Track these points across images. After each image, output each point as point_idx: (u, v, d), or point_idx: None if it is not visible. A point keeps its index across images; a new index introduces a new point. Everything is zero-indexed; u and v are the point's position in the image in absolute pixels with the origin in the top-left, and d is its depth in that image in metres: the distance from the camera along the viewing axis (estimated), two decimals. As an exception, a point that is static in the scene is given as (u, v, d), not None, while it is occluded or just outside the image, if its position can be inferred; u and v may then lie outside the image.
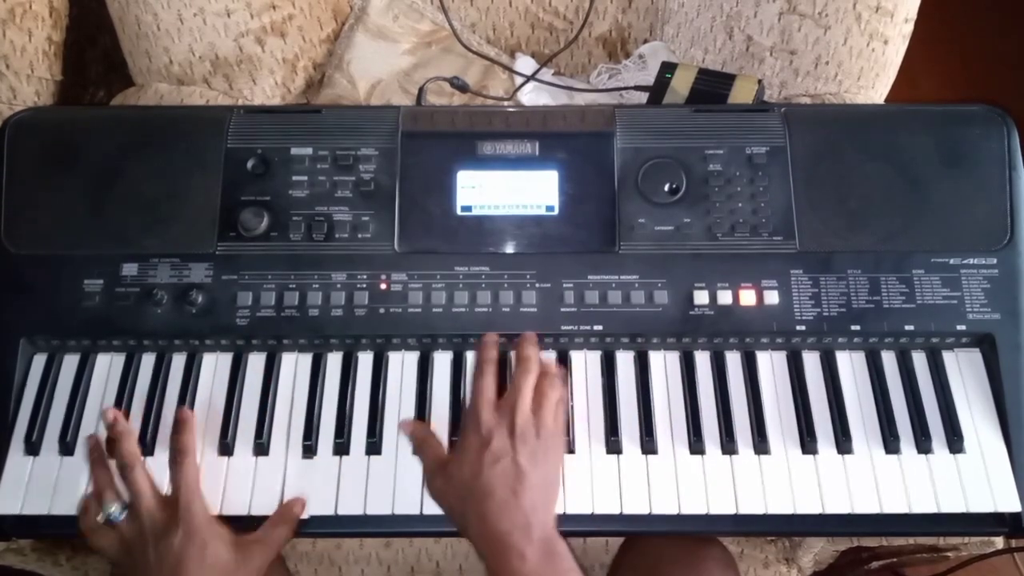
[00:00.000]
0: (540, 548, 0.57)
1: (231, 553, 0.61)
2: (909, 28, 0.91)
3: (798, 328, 0.70)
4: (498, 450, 0.60)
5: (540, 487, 0.60)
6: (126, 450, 0.63)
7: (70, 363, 0.71)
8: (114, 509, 0.61)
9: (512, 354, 0.71)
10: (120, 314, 0.69)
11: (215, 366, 0.71)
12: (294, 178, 0.73)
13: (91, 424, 0.69)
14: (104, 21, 0.96)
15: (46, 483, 0.66)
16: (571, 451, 0.67)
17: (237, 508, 0.65)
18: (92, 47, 1.04)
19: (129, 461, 0.63)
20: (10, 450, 0.67)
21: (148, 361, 0.71)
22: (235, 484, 0.66)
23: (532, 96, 1.01)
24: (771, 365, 0.72)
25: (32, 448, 0.67)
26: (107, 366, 0.71)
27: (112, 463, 0.64)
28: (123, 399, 0.69)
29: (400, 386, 0.70)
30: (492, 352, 0.66)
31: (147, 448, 0.67)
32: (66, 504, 0.65)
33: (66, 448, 0.67)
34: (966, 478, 0.67)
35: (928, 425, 0.68)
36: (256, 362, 0.71)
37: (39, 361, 0.71)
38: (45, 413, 0.69)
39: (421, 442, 0.66)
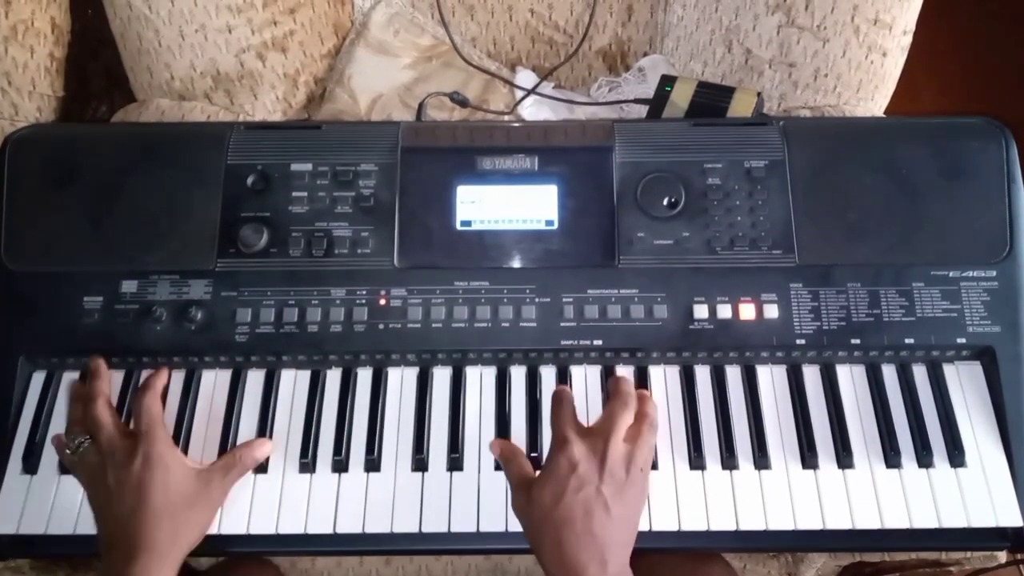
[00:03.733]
0: None
1: (192, 481, 0.62)
2: (908, 40, 0.92)
3: (798, 342, 0.70)
4: (584, 477, 0.58)
5: (621, 524, 0.58)
6: (92, 385, 0.66)
7: (69, 381, 0.71)
8: (78, 440, 0.63)
9: (512, 369, 0.71)
10: (119, 331, 0.69)
11: (214, 383, 0.71)
12: (294, 194, 0.73)
13: (90, 442, 0.68)
14: (106, 35, 0.96)
15: (43, 502, 0.66)
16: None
17: (235, 526, 0.65)
18: (94, 61, 1.04)
19: (92, 395, 0.65)
20: (7, 469, 0.67)
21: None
22: (233, 501, 0.65)
23: (533, 110, 1.02)
24: (771, 379, 0.71)
25: (30, 467, 0.67)
26: (105, 383, 0.70)
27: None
28: (121, 416, 0.69)
29: (399, 402, 0.70)
30: (566, 396, 0.66)
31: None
32: (64, 523, 0.65)
33: (64, 467, 0.67)
34: (967, 492, 0.66)
35: (929, 439, 0.68)
36: (255, 379, 0.71)
37: (38, 379, 0.71)
38: (43, 431, 0.69)
39: (508, 459, 0.64)
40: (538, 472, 0.62)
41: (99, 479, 0.61)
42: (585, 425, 0.65)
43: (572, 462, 0.59)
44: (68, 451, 0.63)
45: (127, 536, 0.58)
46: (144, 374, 0.71)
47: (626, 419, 0.62)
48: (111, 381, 0.68)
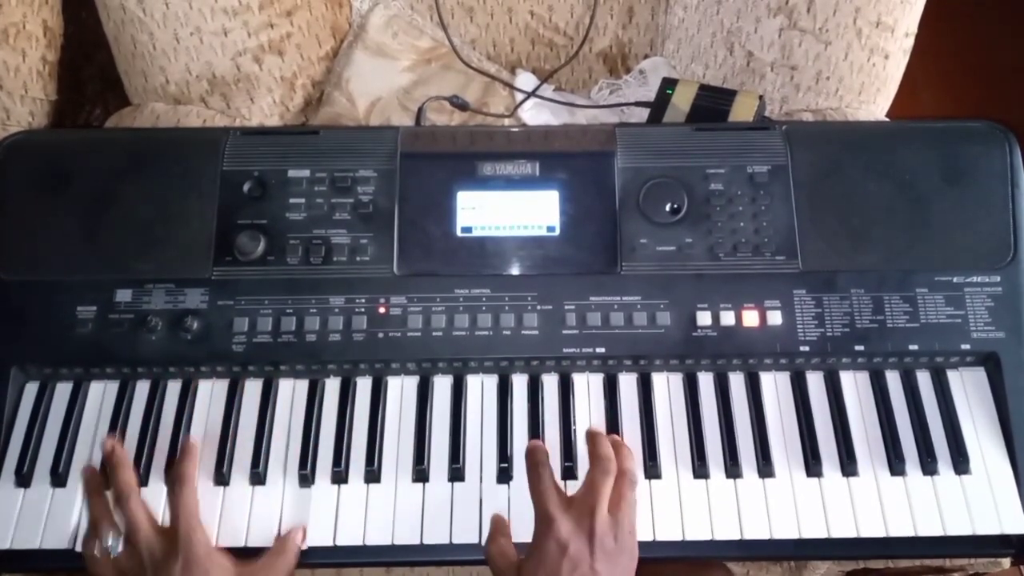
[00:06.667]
0: None
1: None
2: (910, 43, 0.91)
3: (802, 349, 0.69)
4: (576, 557, 0.57)
5: None
6: (122, 480, 0.62)
7: (62, 392, 0.70)
8: (111, 541, 0.60)
9: (514, 378, 0.70)
10: (114, 341, 0.68)
11: (211, 393, 0.70)
12: (291, 201, 0.72)
13: (84, 454, 0.67)
14: (100, 38, 0.95)
15: (37, 516, 0.64)
16: (573, 476, 0.66)
17: (233, 539, 0.64)
18: (88, 64, 1.03)
19: (125, 491, 0.62)
20: (-1, 482, 0.66)
21: (142, 389, 0.70)
22: (231, 514, 0.64)
23: (533, 112, 1.01)
24: (775, 387, 0.71)
25: (23, 480, 0.66)
26: (100, 394, 0.70)
27: (109, 493, 0.63)
28: (117, 428, 0.68)
29: (399, 412, 0.69)
30: (541, 455, 0.64)
31: (142, 478, 0.66)
32: (57, 538, 0.64)
33: (58, 480, 0.66)
34: (972, 500, 0.66)
35: (933, 446, 0.68)
36: (252, 389, 0.70)
37: (31, 390, 0.70)
38: (36, 444, 0.67)
39: (492, 537, 0.63)
40: (523, 549, 0.60)
41: None
42: (565, 491, 0.63)
43: (562, 544, 0.57)
44: (98, 552, 0.60)
45: None
46: (140, 386, 0.70)
47: (609, 485, 0.61)
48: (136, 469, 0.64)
